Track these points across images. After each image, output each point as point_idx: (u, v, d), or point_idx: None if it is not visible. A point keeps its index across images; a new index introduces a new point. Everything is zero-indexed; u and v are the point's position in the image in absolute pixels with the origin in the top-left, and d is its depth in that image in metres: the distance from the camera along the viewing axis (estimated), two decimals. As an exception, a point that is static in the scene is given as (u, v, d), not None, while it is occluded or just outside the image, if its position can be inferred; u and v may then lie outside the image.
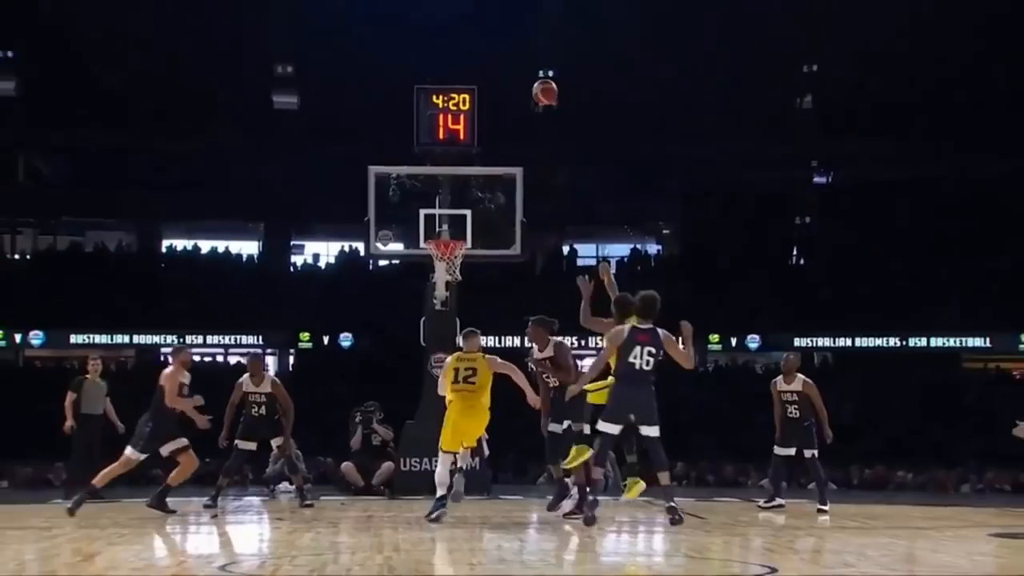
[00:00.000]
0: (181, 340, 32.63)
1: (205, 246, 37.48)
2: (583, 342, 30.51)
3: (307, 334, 32.34)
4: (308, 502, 13.99)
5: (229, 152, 37.90)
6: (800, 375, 14.38)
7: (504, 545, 9.96)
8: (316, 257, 38.50)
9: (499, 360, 12.31)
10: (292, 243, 39.36)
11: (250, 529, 12.40)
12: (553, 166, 37.54)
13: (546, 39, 34.21)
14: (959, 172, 36.02)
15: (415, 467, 15.99)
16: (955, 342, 31.94)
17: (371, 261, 32.33)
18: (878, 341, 32.13)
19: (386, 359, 28.58)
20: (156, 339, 32.48)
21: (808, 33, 36.26)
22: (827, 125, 37.29)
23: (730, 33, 35.48)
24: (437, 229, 16.78)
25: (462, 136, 17.53)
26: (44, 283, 33.02)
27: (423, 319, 17.07)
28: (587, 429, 11.87)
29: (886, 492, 21.86)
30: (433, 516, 11.63)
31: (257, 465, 17.84)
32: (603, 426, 10.78)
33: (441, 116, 17.50)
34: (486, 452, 15.74)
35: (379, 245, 17.32)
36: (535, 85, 15.27)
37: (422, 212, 16.82)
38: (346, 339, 32.28)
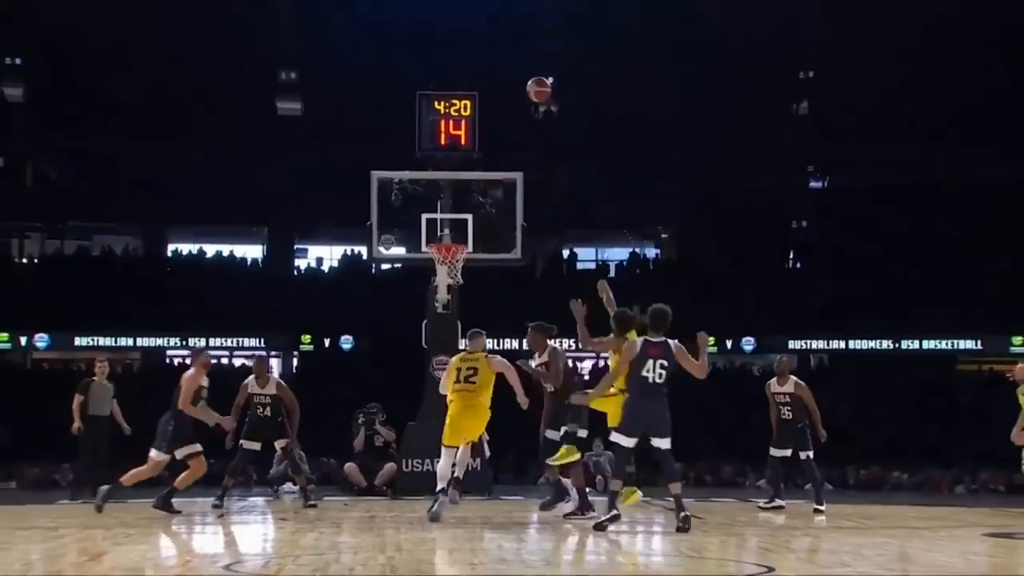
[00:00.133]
0: (184, 343, 32.71)
1: (210, 250, 37.49)
2: (577, 345, 30.58)
3: (308, 336, 32.31)
4: (311, 502, 13.99)
5: (234, 157, 37.91)
6: (793, 377, 14.39)
7: (505, 545, 9.95)
8: (320, 261, 38.49)
9: (501, 360, 12.33)
10: (296, 247, 39.36)
11: (254, 529, 12.39)
12: (553, 171, 37.60)
13: (546, 46, 34.23)
14: (952, 177, 36.04)
15: (417, 468, 15.99)
16: (947, 344, 31.96)
17: (374, 265, 32.33)
18: (871, 344, 32.14)
19: (388, 361, 28.56)
20: (160, 342, 32.46)
21: (804, 40, 36.29)
22: (823, 131, 37.29)
23: (727, 40, 35.50)
24: (439, 233, 16.80)
25: (463, 141, 17.56)
26: (51, 287, 33.02)
27: (425, 322, 17.08)
28: (582, 433, 11.92)
29: (882, 492, 21.86)
30: (434, 509, 11.62)
31: (261, 466, 17.84)
32: (617, 438, 10.72)
33: (443, 122, 17.53)
34: (487, 453, 15.76)
35: (382, 249, 17.34)
36: (529, 84, 15.27)
37: (424, 216, 16.84)
38: (347, 341, 32.25)
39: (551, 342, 12.61)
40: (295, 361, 33.72)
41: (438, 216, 16.90)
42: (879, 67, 35.97)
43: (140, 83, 34.85)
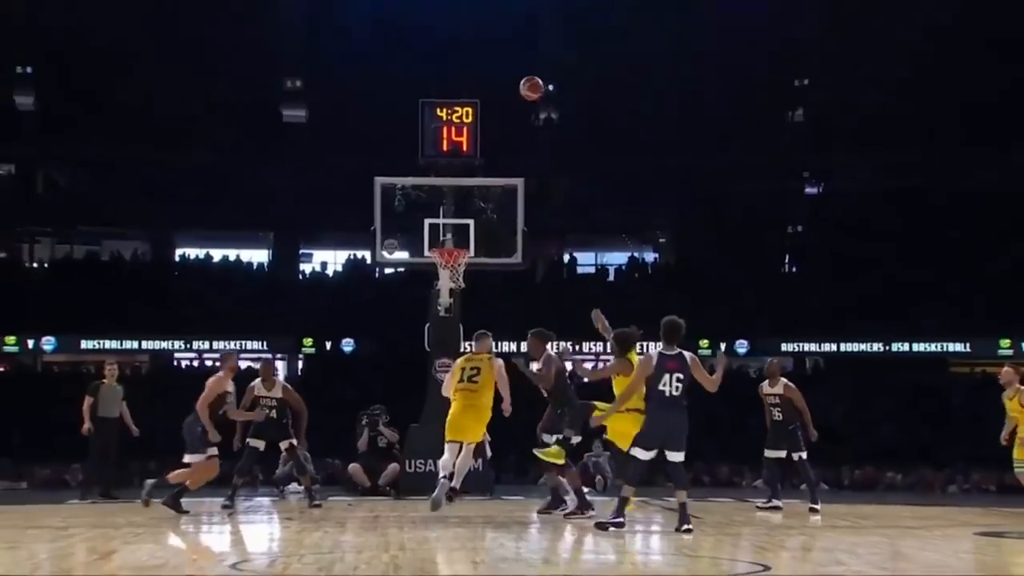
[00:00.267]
0: (188, 346, 32.74)
1: (217, 254, 37.50)
2: (577, 347, 30.59)
3: (310, 340, 32.27)
4: (316, 502, 13.99)
5: (240, 164, 37.96)
6: (783, 378, 14.41)
7: (506, 544, 9.96)
8: (324, 265, 38.49)
9: (500, 366, 12.37)
10: (301, 251, 39.36)
11: (260, 528, 12.39)
12: (553, 177, 37.64)
13: (546, 55, 34.28)
14: (945, 183, 36.08)
15: (420, 468, 15.99)
16: (937, 347, 32.00)
17: (377, 269, 32.33)
18: (862, 346, 32.19)
19: (392, 364, 28.56)
20: (164, 344, 32.46)
21: (799, 49, 36.35)
22: (818, 137, 37.34)
23: (725, 49, 35.56)
24: (441, 238, 16.80)
25: (465, 148, 17.56)
26: (61, 291, 33.04)
27: (427, 325, 17.09)
28: (575, 439, 11.96)
29: (876, 492, 21.85)
30: (435, 494, 11.69)
31: (267, 467, 17.84)
32: (636, 452, 10.65)
33: (445, 129, 17.53)
34: (488, 454, 15.76)
35: (385, 253, 17.34)
36: (522, 83, 15.27)
37: (426, 221, 16.85)
38: (348, 344, 32.25)
39: (550, 346, 12.62)
40: (300, 364, 33.70)
41: (440, 221, 16.90)
42: (873, 75, 36.06)
43: (148, 91, 34.89)
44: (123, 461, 18.10)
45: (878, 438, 26.56)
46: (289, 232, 38.79)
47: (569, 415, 11.97)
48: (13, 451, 23.58)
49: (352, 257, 36.49)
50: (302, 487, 14.91)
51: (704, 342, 29.64)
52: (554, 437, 12.03)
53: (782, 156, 37.79)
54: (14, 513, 13.53)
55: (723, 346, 30.89)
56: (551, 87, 37.42)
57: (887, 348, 31.90)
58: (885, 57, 35.71)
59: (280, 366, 31.84)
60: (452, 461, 12.13)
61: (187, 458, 12.84)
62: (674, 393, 10.57)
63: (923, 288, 32.04)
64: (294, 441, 14.07)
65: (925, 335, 31.76)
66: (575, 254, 38.82)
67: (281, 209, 37.59)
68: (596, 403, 11.64)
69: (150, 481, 12.97)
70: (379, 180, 17.24)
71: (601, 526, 10.72)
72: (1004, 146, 35.38)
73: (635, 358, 11.45)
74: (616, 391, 11.45)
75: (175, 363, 34.37)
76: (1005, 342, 30.81)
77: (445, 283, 16.66)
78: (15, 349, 30.97)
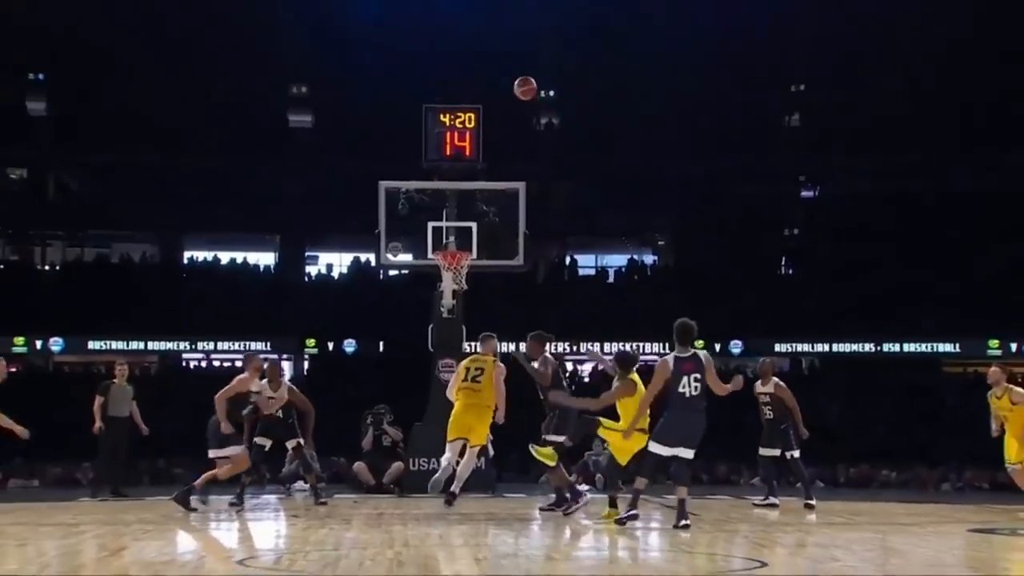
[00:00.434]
0: (193, 346, 32.76)
1: (224, 257, 37.53)
2: (575, 348, 30.62)
3: (312, 340, 32.25)
4: (322, 500, 13.99)
5: (247, 168, 38.00)
6: (774, 378, 14.43)
7: (508, 541, 9.97)
8: (329, 267, 38.52)
9: (501, 373, 12.47)
10: (307, 254, 39.38)
11: (267, 526, 12.39)
12: (554, 181, 37.66)
13: (547, 61, 34.29)
14: (938, 186, 36.11)
15: (423, 467, 15.98)
16: (927, 347, 32.04)
17: (382, 271, 32.33)
18: (854, 347, 32.22)
19: (396, 364, 28.56)
20: (171, 345, 32.50)
21: (795, 55, 36.36)
22: (813, 142, 37.35)
23: (722, 56, 35.58)
24: (444, 241, 16.80)
25: (468, 152, 17.57)
26: (72, 292, 33.07)
27: (431, 326, 17.10)
28: (568, 443, 12.07)
29: (871, 490, 21.83)
30: (436, 476, 12.01)
31: (274, 465, 17.84)
32: (654, 447, 10.63)
33: (448, 134, 17.54)
34: (491, 452, 15.76)
35: (389, 256, 17.35)
36: (516, 84, 15.28)
37: (430, 225, 16.85)
38: (349, 345, 32.27)
39: (548, 347, 12.67)
40: (305, 364, 33.72)
41: (443, 224, 16.90)
42: (867, 80, 36.07)
43: (157, 97, 34.94)
44: (133, 459, 18.11)
45: (873, 437, 26.55)
46: (295, 235, 38.82)
47: (559, 418, 12.05)
48: (26, 450, 23.60)
49: (357, 259, 36.52)
50: (308, 485, 14.91)
51: (699, 343, 29.69)
52: (557, 437, 12.08)
53: (779, 160, 37.81)
54: (27, 511, 13.53)
55: (718, 347, 30.99)
56: (552, 93, 37.70)
57: (879, 348, 31.94)
58: (880, 62, 35.74)
59: (286, 367, 31.87)
60: (454, 459, 12.18)
61: (212, 454, 12.85)
62: (694, 393, 10.58)
63: (915, 290, 32.06)
64: (300, 440, 14.09)
65: (916, 336, 31.79)
66: (576, 256, 38.85)
67: (287, 212, 37.63)
68: (602, 419, 11.61)
69: (195, 496, 12.91)
70: (383, 184, 17.25)
71: (620, 522, 10.73)
72: (997, 149, 35.40)
73: (637, 377, 11.45)
74: (620, 411, 11.45)
75: (183, 364, 34.40)
76: (994, 343, 30.87)
77: (448, 285, 16.66)
78: (23, 350, 30.99)
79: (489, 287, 24.40)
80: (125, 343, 31.35)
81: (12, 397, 13.82)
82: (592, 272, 39.17)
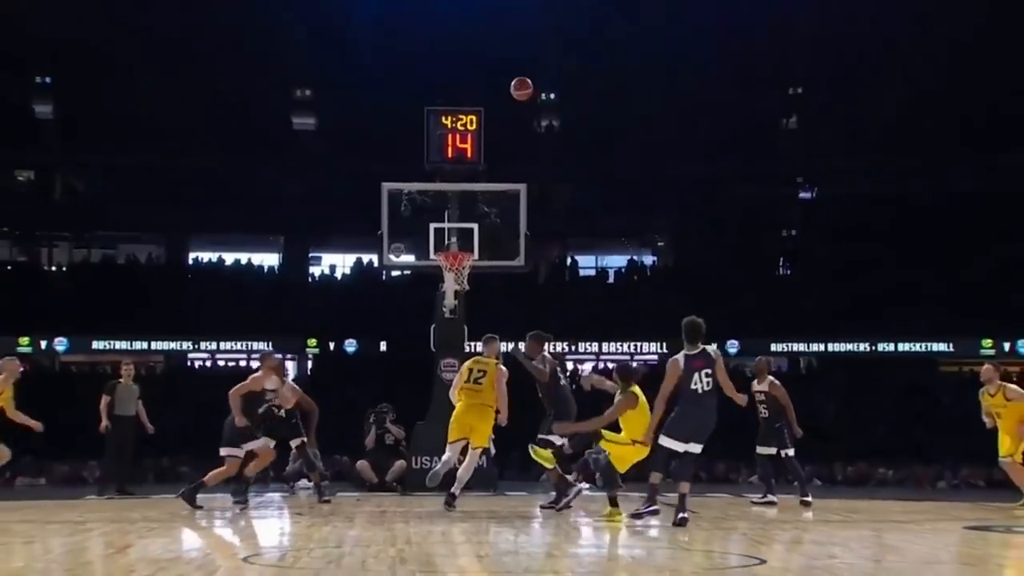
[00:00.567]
0: (196, 346, 32.75)
1: (229, 258, 37.53)
2: (574, 347, 30.62)
3: (314, 340, 32.24)
4: (326, 498, 13.98)
5: (251, 170, 38.01)
6: (770, 376, 14.42)
7: (510, 538, 9.97)
8: (333, 268, 38.52)
9: (503, 376, 12.51)
10: (310, 255, 39.39)
11: (271, 523, 12.39)
12: (555, 183, 37.66)
13: (547, 65, 34.32)
14: (933, 188, 36.11)
15: (426, 465, 15.95)
16: (921, 347, 32.05)
17: (384, 272, 32.35)
18: (849, 346, 32.23)
19: (398, 363, 28.56)
20: (174, 345, 32.51)
21: (793, 59, 36.37)
22: (811, 144, 37.35)
23: (720, 59, 35.60)
24: (446, 242, 16.80)
25: (469, 154, 17.57)
26: (79, 293, 33.07)
27: (433, 326, 17.09)
28: (558, 442, 12.16)
29: (868, 488, 21.82)
30: (435, 469, 12.21)
31: (278, 464, 17.83)
32: (667, 443, 10.62)
33: (450, 136, 17.54)
34: (492, 451, 15.75)
35: (392, 257, 17.35)
36: (512, 84, 15.31)
37: (432, 226, 16.85)
38: (351, 345, 32.27)
39: (547, 346, 12.68)
40: (309, 364, 33.73)
41: (445, 225, 16.90)
42: (863, 85, 36.09)
43: (163, 100, 34.97)
44: (138, 458, 18.12)
45: (870, 435, 26.54)
46: (299, 236, 38.83)
47: (554, 419, 12.09)
48: (33, 448, 23.62)
49: (360, 260, 36.53)
50: (312, 483, 14.91)
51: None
52: (552, 436, 12.16)
53: (776, 162, 37.82)
54: (34, 509, 13.55)
55: (714, 346, 30.98)
56: (552, 95, 37.72)
57: (873, 348, 31.95)
58: (876, 65, 35.75)
59: (290, 366, 31.88)
60: (455, 458, 12.23)
61: (223, 452, 12.84)
62: (706, 388, 10.60)
63: (910, 290, 32.06)
64: (303, 439, 14.08)
65: (911, 336, 31.81)
66: (576, 257, 38.86)
67: (291, 214, 37.64)
68: (604, 432, 11.58)
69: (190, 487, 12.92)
70: (386, 186, 17.25)
71: (636, 516, 10.72)
72: (992, 152, 35.40)
73: (638, 390, 11.44)
74: (622, 423, 11.44)
75: (188, 363, 34.40)
76: (987, 342, 30.89)
77: (450, 285, 16.66)
78: (28, 350, 31.00)
79: (490, 287, 24.37)
80: (129, 343, 31.36)
81: (20, 396, 13.85)
82: (592, 273, 39.18)
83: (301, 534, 10.46)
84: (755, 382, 14.44)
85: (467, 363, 12.78)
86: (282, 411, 13.94)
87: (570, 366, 28.82)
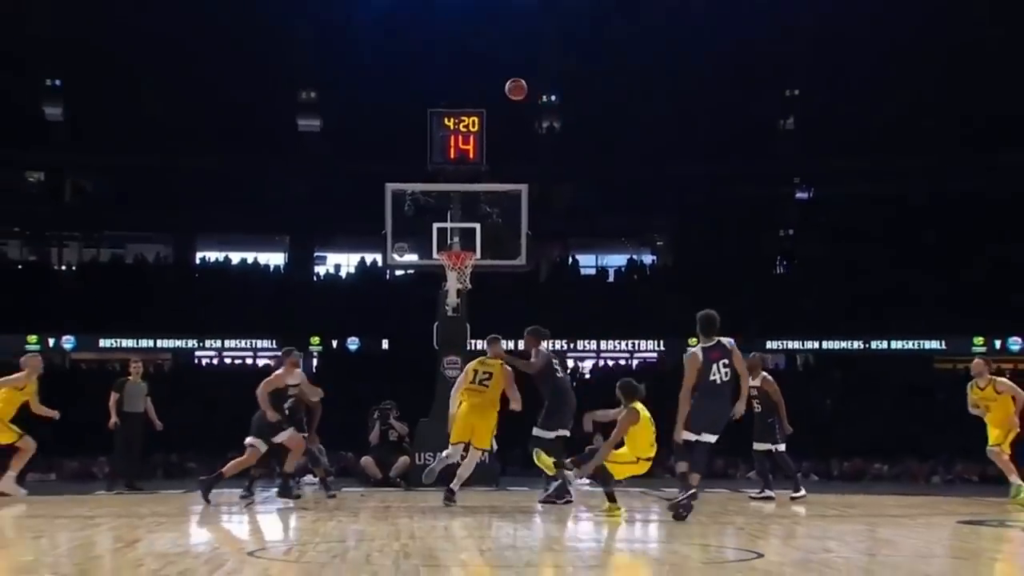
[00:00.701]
0: (201, 344, 32.76)
1: (235, 257, 37.56)
2: (572, 345, 30.60)
3: (317, 338, 32.24)
4: (331, 493, 14.00)
5: (257, 171, 38.04)
6: (764, 372, 14.43)
7: (511, 532, 9.98)
8: (337, 267, 38.55)
9: (511, 373, 12.53)
10: (315, 254, 39.41)
11: (277, 518, 12.41)
12: (556, 183, 37.66)
13: (548, 67, 34.32)
14: (927, 190, 36.11)
15: (429, 461, 15.91)
16: (914, 344, 32.07)
17: (388, 271, 32.35)
18: (843, 344, 32.24)
19: (402, 361, 28.57)
20: (180, 343, 32.53)
21: (790, 61, 36.36)
22: (808, 145, 37.35)
23: (719, 61, 35.59)
24: (449, 241, 16.80)
25: (472, 155, 17.55)
26: (88, 292, 33.08)
27: (436, 324, 17.09)
28: (549, 437, 12.31)
29: (863, 483, 21.83)
30: (431, 466, 12.43)
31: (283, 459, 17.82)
32: (685, 435, 10.58)
33: (452, 137, 17.52)
34: (494, 447, 15.76)
35: (395, 256, 17.35)
36: (507, 85, 15.34)
37: (435, 226, 16.84)
38: (353, 343, 32.24)
39: (544, 343, 12.67)
40: (314, 362, 33.74)
41: (448, 225, 16.90)
42: (859, 86, 36.08)
43: (171, 103, 35.00)
44: (147, 454, 18.13)
45: (866, 431, 26.55)
46: (304, 236, 38.86)
47: (547, 412, 12.13)
48: (43, 445, 23.63)
49: (364, 259, 36.55)
50: (317, 478, 14.92)
51: (693, 340, 29.74)
52: (545, 432, 12.22)
53: (774, 163, 37.80)
54: (44, 503, 13.58)
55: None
56: (553, 97, 37.73)
57: (867, 346, 31.96)
58: (872, 67, 35.74)
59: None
60: (456, 457, 12.28)
61: (247, 440, 12.92)
62: (724, 379, 10.64)
63: (904, 289, 32.06)
64: (305, 435, 14.08)
65: (905, 333, 31.82)
66: (577, 256, 38.87)
67: (296, 214, 37.67)
68: (615, 452, 11.52)
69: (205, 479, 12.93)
70: (390, 186, 17.25)
71: (678, 506, 10.61)
72: (986, 153, 35.39)
73: (639, 406, 11.43)
74: (626, 440, 11.44)
75: (196, 361, 34.42)
76: (978, 340, 30.94)
77: (453, 284, 16.66)
78: (36, 347, 31.01)
79: (492, 286, 24.38)
80: (135, 341, 31.36)
81: (32, 393, 13.89)
82: (593, 272, 39.18)
83: (307, 529, 10.46)
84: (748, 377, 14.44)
85: (472, 364, 12.73)
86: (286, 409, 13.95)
87: (571, 363, 28.83)
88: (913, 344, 32.02)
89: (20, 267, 37.64)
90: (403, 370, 25.99)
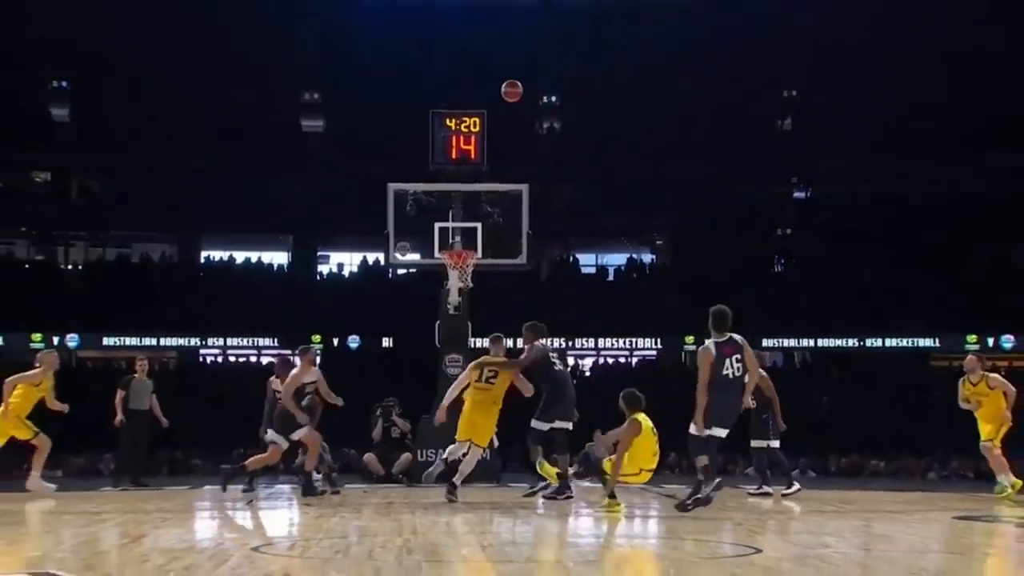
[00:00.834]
0: (204, 342, 32.76)
1: (240, 257, 37.57)
2: (571, 344, 30.58)
3: (318, 336, 32.22)
4: (335, 489, 14.00)
5: (261, 171, 38.05)
6: (759, 369, 14.41)
7: (513, 528, 9.99)
8: (340, 266, 38.57)
9: (517, 371, 12.50)
10: (318, 254, 39.43)
11: (281, 514, 12.41)
12: (556, 183, 37.67)
13: (548, 68, 34.32)
14: (922, 190, 36.10)
15: (431, 458, 15.93)
16: (909, 342, 32.09)
17: (390, 270, 32.36)
18: (838, 342, 32.25)
19: (404, 359, 28.58)
20: (183, 341, 32.52)
21: (787, 62, 36.34)
22: (805, 145, 37.34)
23: (718, 62, 35.58)
24: (450, 241, 16.81)
25: (473, 156, 17.56)
26: (94, 291, 33.09)
27: (438, 323, 17.10)
28: (544, 428, 12.35)
29: (860, 479, 21.81)
30: (429, 470, 12.50)
31: (287, 456, 17.84)
32: (692, 428, 10.60)
33: (454, 137, 17.53)
34: (495, 443, 15.77)
35: (398, 255, 17.36)
36: (503, 86, 15.37)
37: (437, 225, 16.85)
38: (354, 341, 32.21)
39: (541, 340, 12.68)
40: (317, 359, 33.71)
41: (450, 225, 16.91)
42: (856, 87, 36.07)
43: (176, 104, 35.02)
44: (152, 451, 18.13)
45: (862, 428, 26.56)
46: (307, 235, 38.87)
47: (544, 404, 12.17)
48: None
49: (366, 259, 36.56)
50: (320, 475, 14.92)
51: (689, 338, 29.74)
52: (541, 424, 12.24)
53: (772, 163, 37.79)
54: (51, 499, 13.58)
55: (706, 341, 31.00)
56: (553, 98, 37.71)
57: (863, 344, 31.97)
58: (869, 68, 35.72)
59: (298, 362, 31.79)
60: (458, 455, 12.30)
61: (268, 436, 13.03)
62: (736, 374, 10.62)
63: (901, 288, 32.06)
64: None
65: (900, 332, 31.83)
66: (577, 255, 38.88)
67: (300, 214, 37.68)
68: (620, 473, 11.53)
69: (227, 468, 12.99)
70: (392, 186, 17.26)
71: (706, 500, 10.63)
72: (983, 154, 35.37)
73: (641, 417, 11.42)
74: (629, 452, 11.43)
75: (200, 359, 34.43)
76: (972, 338, 30.95)
77: (454, 283, 16.67)
78: (41, 346, 31.01)
79: (493, 285, 24.36)
80: (140, 339, 31.36)
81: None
82: (593, 271, 39.19)
83: (310, 524, 10.47)
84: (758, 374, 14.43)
85: (477, 362, 12.67)
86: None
87: (571, 361, 28.84)
88: (908, 342, 32.04)
89: (27, 266, 37.67)
90: (405, 368, 26.00)
